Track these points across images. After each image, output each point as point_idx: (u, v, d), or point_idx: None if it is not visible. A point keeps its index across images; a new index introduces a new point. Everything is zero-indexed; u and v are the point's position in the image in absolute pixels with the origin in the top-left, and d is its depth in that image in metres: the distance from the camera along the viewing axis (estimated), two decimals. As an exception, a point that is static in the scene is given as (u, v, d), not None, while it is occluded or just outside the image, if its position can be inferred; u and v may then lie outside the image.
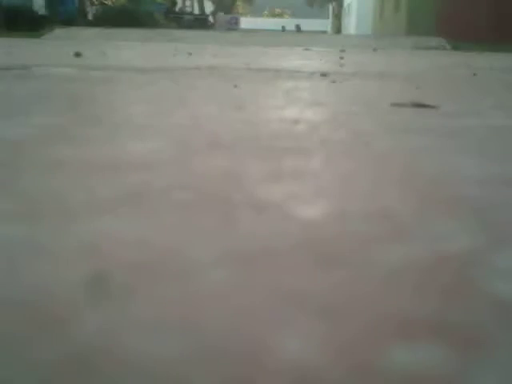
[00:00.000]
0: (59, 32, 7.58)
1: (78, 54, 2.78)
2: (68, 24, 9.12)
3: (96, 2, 13.35)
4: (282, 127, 1.00)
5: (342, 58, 3.28)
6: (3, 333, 0.32)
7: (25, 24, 8.61)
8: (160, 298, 0.36)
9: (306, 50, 4.40)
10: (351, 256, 0.44)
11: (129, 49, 4.01)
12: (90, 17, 12.19)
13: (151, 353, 0.30)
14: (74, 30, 7.54)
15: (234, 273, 0.40)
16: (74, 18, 10.79)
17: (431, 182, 0.66)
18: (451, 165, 0.75)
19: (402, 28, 11.17)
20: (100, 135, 0.90)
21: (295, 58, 3.32)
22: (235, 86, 1.64)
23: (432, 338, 0.32)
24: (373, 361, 0.30)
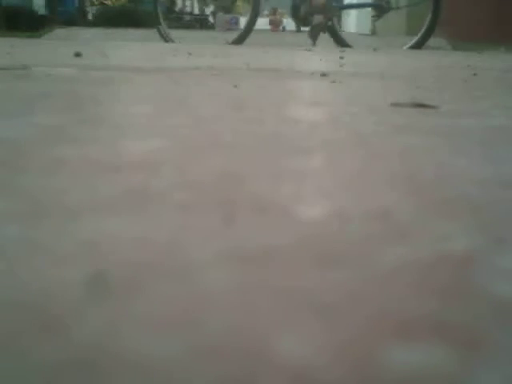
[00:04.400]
0: (59, 32, 7.58)
1: (78, 54, 2.77)
2: (68, 24, 9.12)
3: (96, 2, 13.34)
4: (282, 127, 1.00)
5: (342, 57, 3.27)
6: (3, 333, 0.32)
7: (25, 24, 8.61)
8: (160, 297, 0.36)
9: (306, 50, 4.40)
10: (351, 256, 0.44)
11: (129, 49, 4.01)
12: (89, 17, 12.18)
13: (152, 352, 0.30)
14: (74, 30, 7.54)
15: (235, 272, 0.40)
16: (74, 18, 10.79)
17: (431, 182, 0.67)
18: (451, 165, 0.76)
19: (402, 28, 11.16)
20: (100, 135, 0.90)
21: (295, 58, 3.32)
22: (235, 86, 1.64)
23: (432, 338, 0.33)
24: (373, 360, 0.30)
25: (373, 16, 5.67)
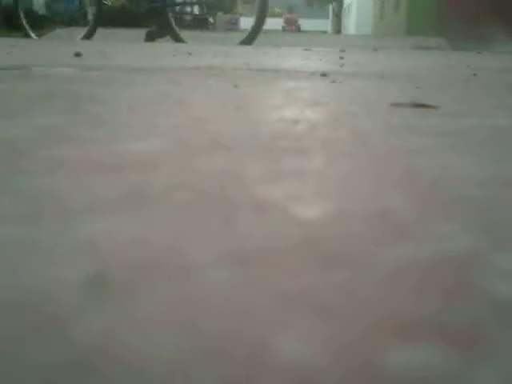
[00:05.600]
0: (59, 32, 7.58)
1: (78, 54, 2.78)
2: (68, 24, 9.12)
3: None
4: (282, 127, 1.00)
5: (342, 57, 3.28)
6: (3, 334, 0.32)
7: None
8: (160, 298, 0.36)
9: (306, 50, 4.40)
10: (351, 256, 0.44)
11: (129, 49, 4.01)
12: (89, 17, 12.16)
13: (151, 353, 0.30)
14: (74, 30, 7.55)
15: (234, 273, 0.40)
16: (74, 18, 10.78)
17: (432, 183, 0.66)
18: (452, 165, 0.75)
19: (402, 28, 11.18)
20: (100, 135, 0.90)
21: (295, 58, 3.32)
22: (235, 86, 1.64)
23: (432, 339, 0.32)
24: (373, 361, 0.30)
25: (206, 14, 6.09)
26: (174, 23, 5.55)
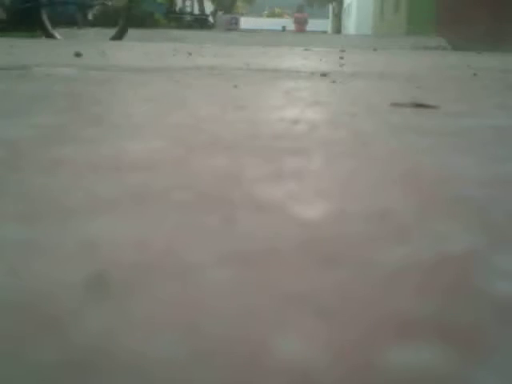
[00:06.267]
0: (59, 32, 7.59)
1: (78, 54, 2.78)
2: (68, 24, 9.15)
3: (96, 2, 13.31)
4: (282, 127, 1.00)
5: (341, 57, 3.27)
6: (3, 334, 0.32)
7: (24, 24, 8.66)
8: (159, 298, 0.36)
9: (306, 50, 4.40)
10: (352, 257, 0.44)
11: (129, 49, 4.01)
12: (89, 17, 12.16)
13: (151, 354, 0.30)
14: (74, 30, 7.56)
15: (234, 273, 0.40)
16: (74, 18, 10.80)
17: (432, 183, 0.66)
18: (452, 165, 0.75)
19: (402, 28, 11.19)
20: (100, 135, 0.90)
21: (295, 58, 3.32)
22: (235, 86, 1.64)
23: (433, 339, 0.32)
24: (374, 362, 0.30)
25: (79, 11, 6.48)
26: (46, 21, 5.94)
